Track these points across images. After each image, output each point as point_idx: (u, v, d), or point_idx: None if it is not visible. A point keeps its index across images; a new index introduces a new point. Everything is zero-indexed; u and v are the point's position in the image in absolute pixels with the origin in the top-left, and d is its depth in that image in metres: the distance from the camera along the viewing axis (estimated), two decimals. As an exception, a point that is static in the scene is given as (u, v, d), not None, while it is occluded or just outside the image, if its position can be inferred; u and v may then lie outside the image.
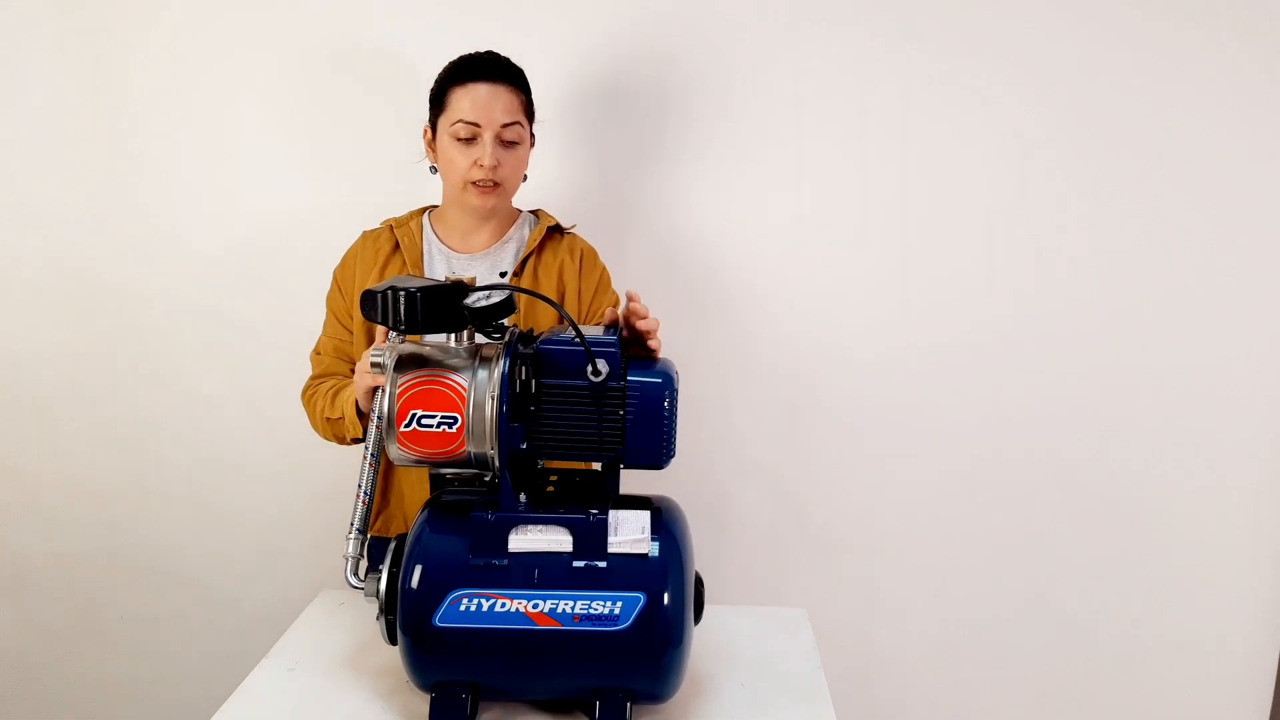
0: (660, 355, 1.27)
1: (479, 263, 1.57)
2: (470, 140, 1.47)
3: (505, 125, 1.48)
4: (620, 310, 1.26)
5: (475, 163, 1.47)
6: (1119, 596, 2.06)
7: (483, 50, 1.53)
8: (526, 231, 1.61)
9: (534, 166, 1.59)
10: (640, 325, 1.23)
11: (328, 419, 1.47)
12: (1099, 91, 1.88)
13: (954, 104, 1.90)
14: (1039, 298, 1.96)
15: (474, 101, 1.46)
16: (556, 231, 1.62)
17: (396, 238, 1.57)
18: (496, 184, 1.49)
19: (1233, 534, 2.03)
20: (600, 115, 1.93)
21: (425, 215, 1.62)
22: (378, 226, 1.61)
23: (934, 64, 1.89)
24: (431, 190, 1.66)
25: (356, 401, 1.37)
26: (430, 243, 1.58)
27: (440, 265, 1.57)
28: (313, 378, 1.59)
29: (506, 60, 1.52)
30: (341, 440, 1.48)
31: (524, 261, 1.56)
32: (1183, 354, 1.97)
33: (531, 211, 1.66)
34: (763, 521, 2.09)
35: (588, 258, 1.62)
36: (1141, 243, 1.93)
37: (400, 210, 1.63)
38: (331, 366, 1.57)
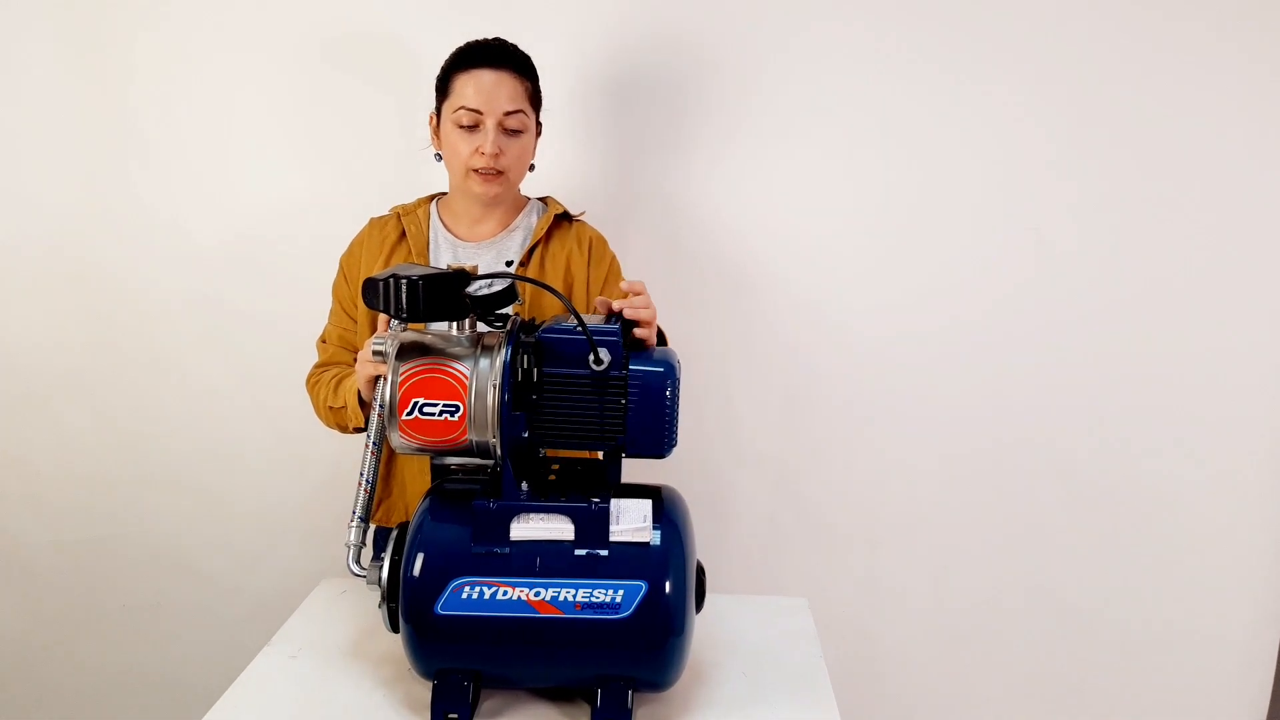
0: (653, 345, 1.26)
1: (485, 251, 1.56)
2: (473, 127, 1.46)
3: (508, 113, 1.46)
4: (616, 303, 1.25)
5: (477, 150, 1.46)
6: (1119, 586, 2.06)
7: (489, 37, 1.51)
8: (534, 219, 1.59)
9: (540, 155, 1.58)
10: (629, 312, 1.23)
11: (330, 407, 1.47)
12: (1100, 85, 1.87)
13: (957, 95, 1.89)
14: (1040, 288, 1.96)
15: (477, 88, 1.45)
16: (565, 219, 1.60)
17: (403, 225, 1.56)
18: (499, 172, 1.48)
19: (1233, 524, 2.03)
20: (606, 104, 1.92)
21: (433, 203, 1.61)
22: (386, 214, 1.60)
23: (935, 57, 1.88)
24: (432, 179, 1.65)
25: (359, 390, 1.36)
26: (437, 231, 1.57)
27: (446, 253, 1.56)
28: (317, 365, 1.58)
29: (512, 47, 1.51)
30: (344, 429, 1.48)
31: (531, 251, 1.55)
32: (1183, 343, 1.96)
33: (540, 199, 1.64)
34: (764, 511, 2.09)
35: (596, 247, 1.59)
36: (1142, 231, 1.93)
37: (399, 199, 1.62)
38: (336, 355, 1.57)
